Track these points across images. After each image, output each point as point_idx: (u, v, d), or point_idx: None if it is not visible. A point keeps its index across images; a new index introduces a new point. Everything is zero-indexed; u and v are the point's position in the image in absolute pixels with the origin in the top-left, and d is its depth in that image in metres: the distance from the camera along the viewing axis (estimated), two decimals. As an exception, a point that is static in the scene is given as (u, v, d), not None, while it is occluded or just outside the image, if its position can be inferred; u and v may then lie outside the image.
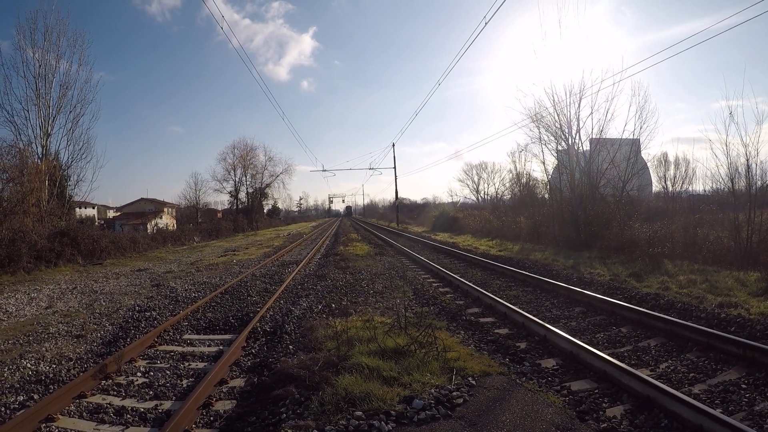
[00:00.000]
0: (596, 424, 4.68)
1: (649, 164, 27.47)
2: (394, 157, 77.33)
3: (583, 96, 21.87)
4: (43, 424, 5.08)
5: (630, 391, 5.26)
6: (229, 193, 75.59)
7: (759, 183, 15.08)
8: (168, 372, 6.84)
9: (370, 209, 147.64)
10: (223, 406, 5.62)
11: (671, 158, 28.87)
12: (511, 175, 48.60)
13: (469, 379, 5.48)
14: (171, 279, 16.34)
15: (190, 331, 9.22)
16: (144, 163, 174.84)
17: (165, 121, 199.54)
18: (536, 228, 25.29)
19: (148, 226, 54.36)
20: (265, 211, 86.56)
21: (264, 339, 8.49)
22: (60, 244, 21.64)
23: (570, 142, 22.83)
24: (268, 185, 79.69)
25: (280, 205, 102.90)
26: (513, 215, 31.66)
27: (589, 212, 20.78)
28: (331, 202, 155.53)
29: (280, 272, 17.03)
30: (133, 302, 12.04)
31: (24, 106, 26.55)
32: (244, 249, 29.65)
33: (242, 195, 75.79)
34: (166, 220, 67.12)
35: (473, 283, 12.23)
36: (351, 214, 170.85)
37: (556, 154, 24.66)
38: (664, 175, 28.77)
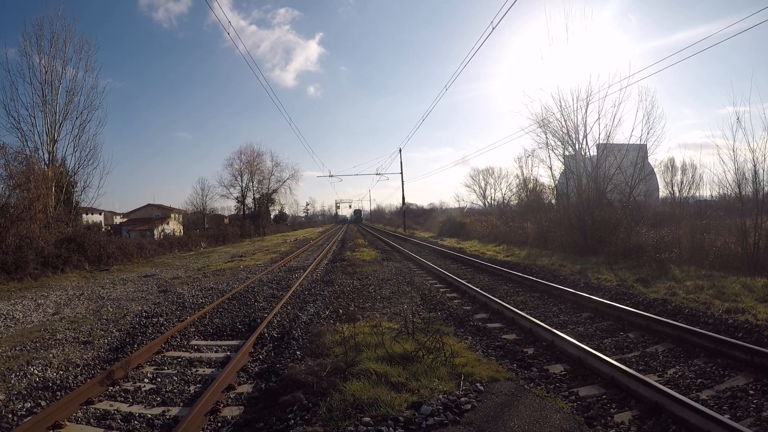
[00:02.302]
0: (605, 430, 4.66)
1: (656, 170, 27.49)
2: (401, 162, 77.46)
3: (591, 101, 21.87)
4: (51, 431, 5.10)
5: (638, 397, 5.24)
6: (236, 198, 75.82)
7: (766, 188, 15.04)
8: (175, 378, 6.86)
9: (377, 214, 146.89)
10: (231, 412, 5.62)
11: (678, 164, 28.90)
12: (517, 180, 48.68)
13: (477, 384, 5.46)
14: (178, 285, 16.38)
15: (197, 337, 9.24)
16: (151, 169, 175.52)
17: (172, 127, 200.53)
18: (543, 233, 25.23)
19: (155, 231, 54.60)
20: (271, 216, 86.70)
21: (271, 345, 8.49)
22: (67, 250, 21.75)
23: (577, 147, 22.82)
24: (274, 191, 79.87)
25: (286, 211, 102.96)
26: (520, 220, 31.62)
27: (596, 218, 20.73)
28: (338, 207, 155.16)
29: (287, 278, 17.05)
30: (140, 308, 12.08)
31: (30, 113, 26.67)
32: (251, 254, 29.71)
33: (249, 200, 76.00)
34: (173, 226, 67.37)
35: (480, 289, 12.22)
36: (360, 220, 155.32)
37: (563, 160, 24.63)
38: (671, 181, 28.81)
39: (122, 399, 6.08)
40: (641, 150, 22.18)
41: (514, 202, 53.00)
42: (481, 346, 7.84)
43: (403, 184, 61.52)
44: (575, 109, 22.38)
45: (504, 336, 8.43)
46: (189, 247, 37.11)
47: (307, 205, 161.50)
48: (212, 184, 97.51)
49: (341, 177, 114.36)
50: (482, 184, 77.88)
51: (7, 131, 26.77)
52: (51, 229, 23.54)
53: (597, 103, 21.92)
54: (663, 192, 30.97)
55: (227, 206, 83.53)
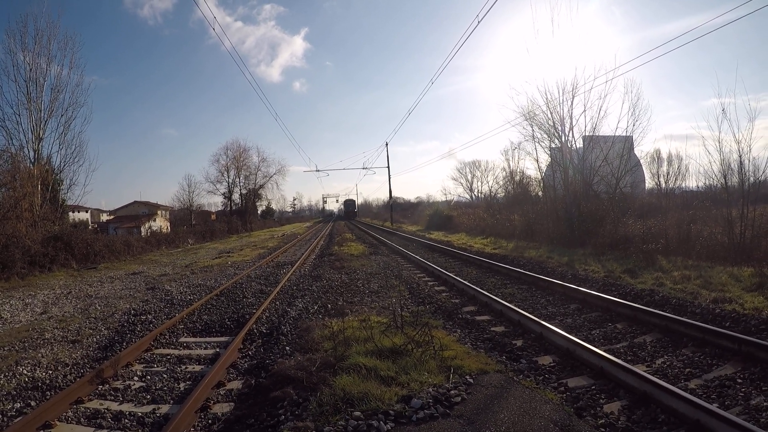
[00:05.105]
0: (594, 420, 4.70)
1: (642, 161, 27.65)
2: (388, 156, 77.46)
3: (576, 94, 21.98)
4: (41, 431, 5.06)
5: (627, 387, 5.29)
6: (223, 194, 75.54)
7: (751, 179, 15.16)
8: (165, 375, 6.83)
9: (364, 208, 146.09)
10: (221, 408, 5.61)
11: (664, 155, 29.03)
12: (504, 173, 48.97)
13: (467, 377, 5.49)
14: (166, 282, 16.28)
15: (186, 334, 9.20)
16: (137, 166, 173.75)
17: (159, 124, 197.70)
18: (530, 226, 25.32)
19: (142, 228, 54.25)
20: (258, 212, 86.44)
21: (260, 341, 8.47)
22: (54, 248, 21.52)
23: (563, 139, 22.93)
24: (261, 186, 79.72)
25: (273, 206, 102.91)
26: (507, 213, 31.68)
27: (583, 209, 20.85)
28: (324, 202, 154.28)
29: (276, 273, 17.00)
30: (128, 306, 11.99)
31: (15, 111, 26.42)
32: (239, 250, 29.56)
33: (236, 196, 75.78)
34: (160, 223, 66.94)
35: (468, 282, 12.26)
36: (354, 215, 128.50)
37: (549, 152, 24.74)
38: (657, 172, 28.92)
39: (112, 398, 6.04)
40: (627, 141, 22.37)
41: (500, 194, 53.14)
42: (470, 338, 7.88)
43: (390, 178, 61.92)
44: (561, 101, 22.50)
45: (492, 328, 8.46)
46: (176, 244, 36.86)
47: (294, 200, 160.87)
48: (199, 180, 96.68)
49: (328, 171, 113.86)
50: (469, 177, 77.96)
51: (-8, 129, 26.30)
52: (37, 228, 23.32)
53: (583, 95, 22.05)
54: (649, 183, 31.17)
55: (214, 202, 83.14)
